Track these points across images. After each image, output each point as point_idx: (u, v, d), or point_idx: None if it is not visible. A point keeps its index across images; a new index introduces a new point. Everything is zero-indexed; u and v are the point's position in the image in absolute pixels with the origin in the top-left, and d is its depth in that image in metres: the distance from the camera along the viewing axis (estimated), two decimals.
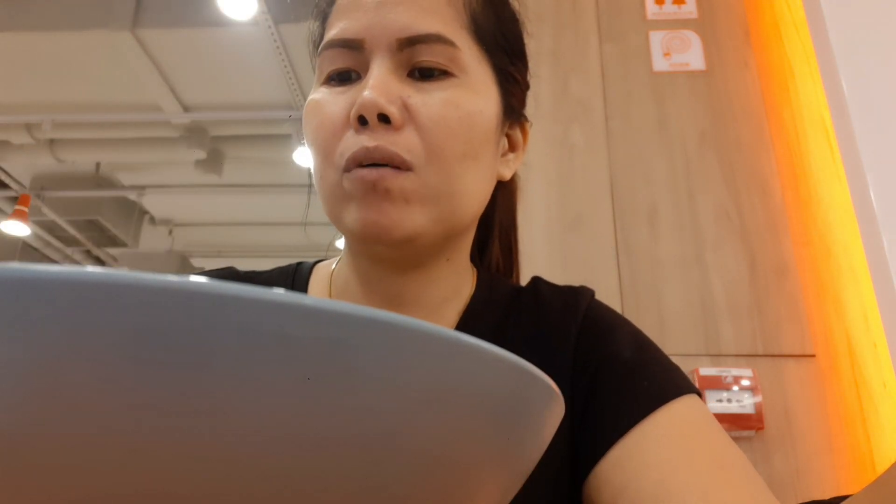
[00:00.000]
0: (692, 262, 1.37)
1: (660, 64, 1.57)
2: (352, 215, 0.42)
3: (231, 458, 0.15)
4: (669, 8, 1.63)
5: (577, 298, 0.50)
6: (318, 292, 0.52)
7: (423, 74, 0.43)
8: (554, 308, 0.49)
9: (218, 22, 2.96)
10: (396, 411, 0.17)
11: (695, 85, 1.54)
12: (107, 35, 3.07)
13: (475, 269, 0.54)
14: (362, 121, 0.41)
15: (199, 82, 3.51)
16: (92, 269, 0.14)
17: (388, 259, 0.46)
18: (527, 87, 0.52)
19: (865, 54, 1.32)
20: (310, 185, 0.49)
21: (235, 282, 0.49)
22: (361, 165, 0.41)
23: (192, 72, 3.41)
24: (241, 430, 0.15)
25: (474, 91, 0.44)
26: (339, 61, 0.44)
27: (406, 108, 0.42)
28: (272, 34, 3.06)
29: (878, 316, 1.19)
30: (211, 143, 3.97)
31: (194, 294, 0.14)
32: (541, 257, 1.38)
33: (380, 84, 0.41)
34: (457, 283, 0.50)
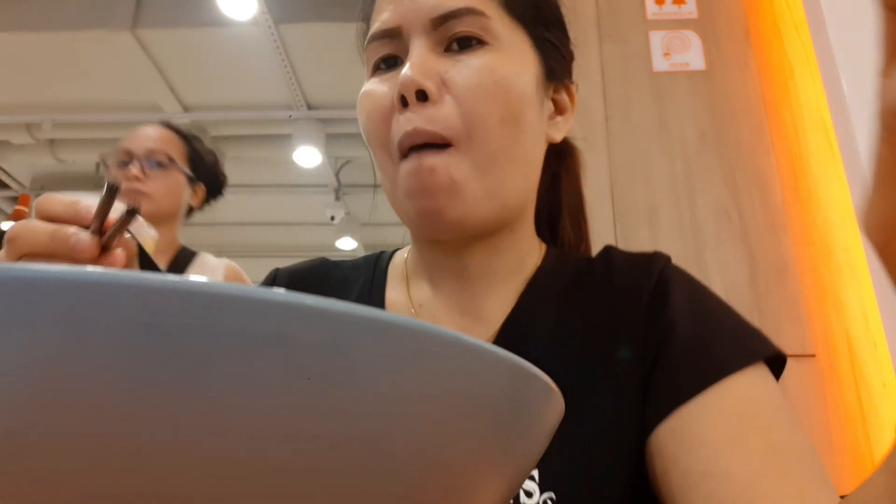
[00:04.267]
0: (692, 262, 1.37)
1: (660, 64, 1.57)
2: (406, 204, 0.45)
3: (231, 457, 0.15)
4: (669, 8, 1.63)
5: (651, 261, 0.49)
6: (396, 277, 0.54)
7: (461, 45, 0.45)
8: (625, 272, 0.49)
9: (218, 22, 2.96)
10: (396, 411, 0.17)
11: (695, 85, 1.54)
12: (107, 35, 3.07)
13: (545, 246, 0.54)
14: (404, 101, 0.43)
15: (199, 82, 3.50)
16: (92, 269, 0.14)
17: (450, 240, 0.48)
18: (570, 55, 0.53)
19: (865, 54, 1.32)
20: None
21: (324, 270, 0.51)
22: (409, 153, 0.43)
23: (192, 72, 3.41)
24: (241, 430, 0.15)
25: (509, 55, 0.46)
26: (381, 50, 0.47)
27: (444, 82, 0.44)
28: (272, 34, 3.06)
29: (878, 316, 1.19)
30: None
31: (194, 294, 0.14)
32: None
33: (417, 62, 0.44)
34: (520, 254, 0.51)
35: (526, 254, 0.51)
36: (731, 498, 0.35)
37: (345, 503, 0.17)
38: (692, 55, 1.57)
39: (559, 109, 0.52)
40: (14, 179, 4.51)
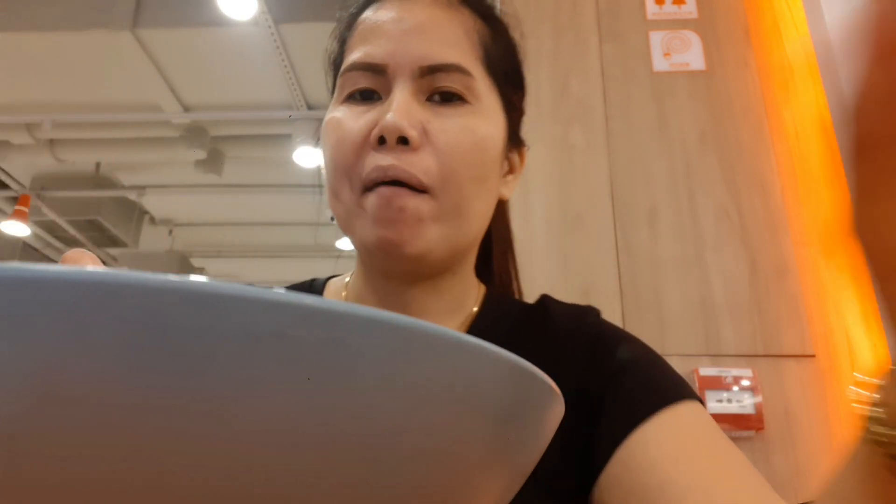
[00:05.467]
0: (692, 262, 1.37)
1: (660, 64, 1.57)
2: (367, 230, 0.44)
3: (231, 457, 0.15)
4: (669, 8, 1.63)
5: (585, 314, 0.51)
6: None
7: (443, 99, 0.46)
8: (561, 327, 0.50)
9: (218, 22, 2.96)
10: (396, 411, 0.17)
11: (695, 85, 1.54)
12: (107, 35, 3.07)
13: (483, 286, 0.56)
14: (381, 140, 0.44)
15: (199, 82, 3.50)
16: (92, 269, 0.14)
17: (398, 272, 0.49)
18: (523, 113, 0.55)
19: None
20: (319, 186, 0.51)
21: None
22: (378, 184, 0.43)
23: (192, 72, 3.41)
24: (241, 430, 0.15)
25: (486, 118, 0.47)
26: (361, 82, 0.47)
27: (425, 132, 0.45)
28: (272, 34, 3.06)
29: (878, 316, 1.19)
30: (211, 143, 3.97)
31: (194, 294, 0.14)
32: (541, 257, 1.38)
33: (402, 108, 0.44)
34: (461, 295, 0.52)
35: (465, 294, 0.53)
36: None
37: (345, 502, 0.17)
38: (692, 55, 1.57)
39: (511, 168, 0.54)
40: (14, 179, 4.51)
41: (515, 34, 0.54)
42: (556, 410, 0.23)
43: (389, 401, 0.17)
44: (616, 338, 0.50)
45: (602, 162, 1.48)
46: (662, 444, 0.40)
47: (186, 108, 3.74)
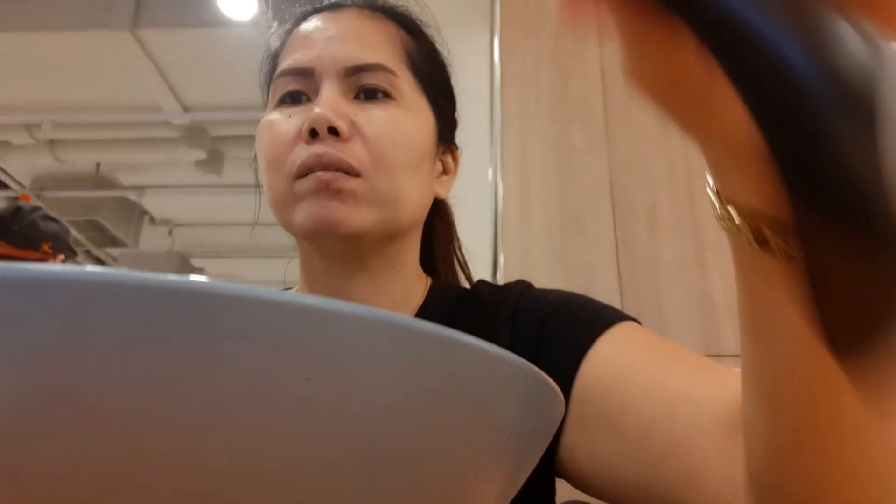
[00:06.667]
0: (692, 262, 1.36)
1: None
2: (303, 213, 0.46)
3: (231, 457, 0.15)
4: None
5: (512, 287, 0.54)
6: None
7: (368, 96, 0.49)
8: (489, 302, 0.53)
9: (218, 22, 2.96)
10: (396, 411, 0.17)
11: None
12: (107, 35, 3.07)
13: (430, 280, 0.58)
14: (313, 133, 0.46)
15: (199, 82, 3.50)
16: (92, 268, 0.14)
17: (336, 256, 0.50)
18: (456, 123, 0.59)
19: None
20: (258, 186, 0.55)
21: None
22: (313, 171, 0.46)
23: (192, 72, 3.41)
24: (241, 430, 0.15)
25: (413, 112, 0.50)
26: (291, 85, 0.50)
27: (353, 124, 0.47)
28: (272, 34, 3.05)
29: None
30: (211, 143, 3.97)
31: (194, 294, 0.14)
32: (541, 257, 1.38)
33: (329, 102, 0.47)
34: (404, 291, 0.54)
35: (411, 289, 0.55)
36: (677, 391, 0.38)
37: (346, 503, 0.17)
38: None
39: (445, 170, 0.58)
40: (14, 179, 4.51)
41: (442, 49, 0.58)
42: (557, 410, 0.23)
43: (389, 401, 0.17)
44: (541, 290, 0.52)
45: (602, 162, 1.48)
46: (611, 359, 0.41)
47: (186, 109, 3.74)
